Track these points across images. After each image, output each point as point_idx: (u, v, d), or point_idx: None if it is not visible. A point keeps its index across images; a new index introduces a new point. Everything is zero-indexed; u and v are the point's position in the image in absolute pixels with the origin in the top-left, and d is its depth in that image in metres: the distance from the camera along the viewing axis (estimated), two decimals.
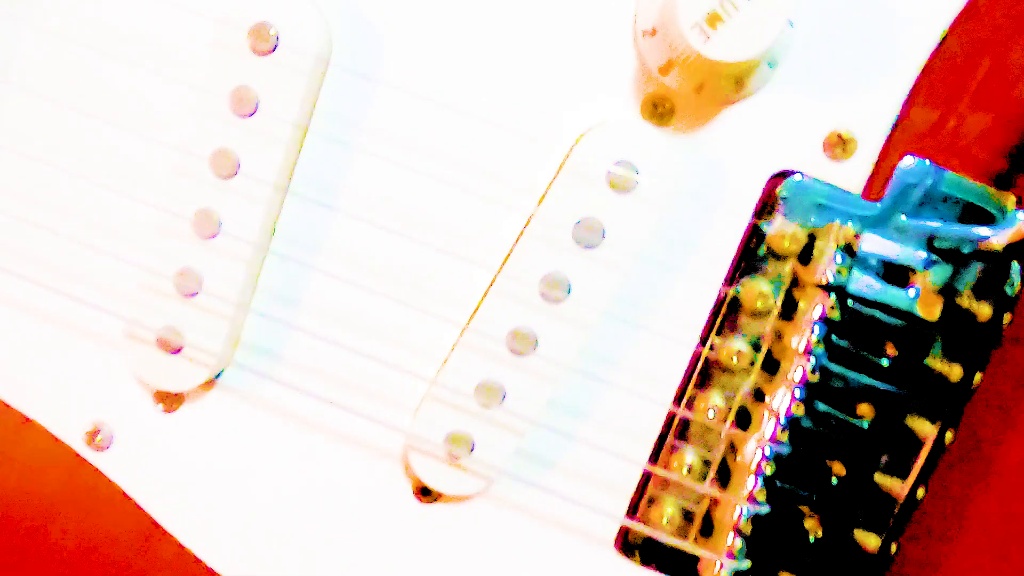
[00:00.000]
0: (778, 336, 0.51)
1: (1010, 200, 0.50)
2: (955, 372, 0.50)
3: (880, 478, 0.51)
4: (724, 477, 0.51)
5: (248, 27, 0.49)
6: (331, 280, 0.52)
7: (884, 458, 0.50)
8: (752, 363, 0.51)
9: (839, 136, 0.50)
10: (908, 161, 0.50)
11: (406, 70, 0.51)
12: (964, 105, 0.49)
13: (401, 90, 0.51)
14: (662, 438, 0.52)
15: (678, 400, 0.51)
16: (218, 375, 0.53)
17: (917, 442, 0.50)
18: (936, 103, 0.48)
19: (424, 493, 0.53)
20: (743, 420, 0.51)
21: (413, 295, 0.51)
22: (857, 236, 0.49)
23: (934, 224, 0.50)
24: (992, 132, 0.49)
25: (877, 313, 0.49)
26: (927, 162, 0.50)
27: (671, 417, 0.51)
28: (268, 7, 0.49)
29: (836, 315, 0.49)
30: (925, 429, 0.51)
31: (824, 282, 0.49)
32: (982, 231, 0.48)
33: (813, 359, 0.49)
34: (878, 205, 0.50)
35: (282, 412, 0.53)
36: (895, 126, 0.49)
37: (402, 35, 0.51)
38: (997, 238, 0.48)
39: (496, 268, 0.50)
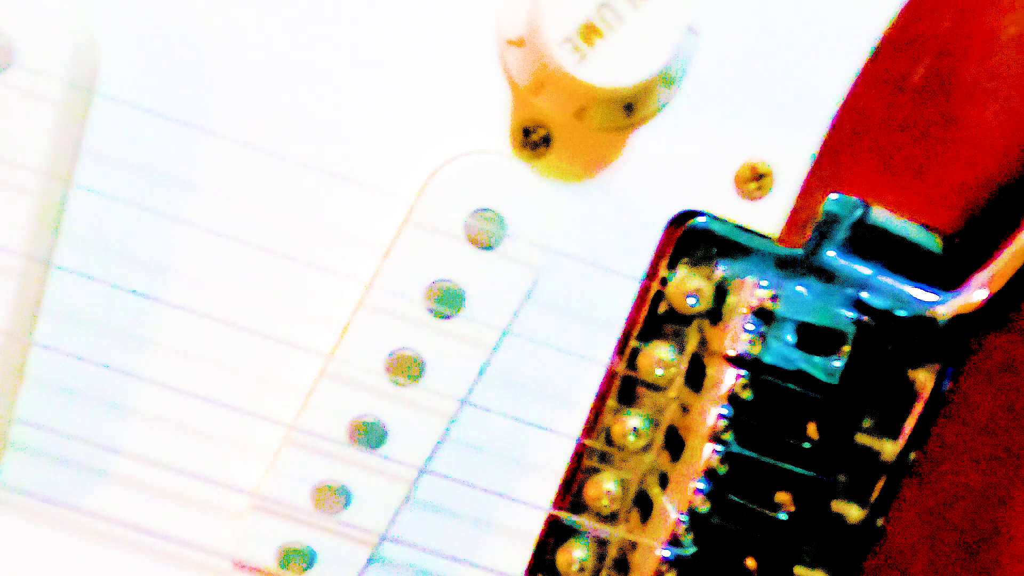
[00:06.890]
0: (683, 410, 0.42)
1: (939, 240, 0.41)
2: (888, 449, 0.42)
3: (802, 572, 0.43)
4: (623, 572, 0.43)
5: None
6: (123, 377, 0.40)
7: (807, 551, 0.43)
8: (649, 444, 0.42)
9: (753, 169, 0.41)
10: (834, 196, 0.41)
11: (216, 106, 0.39)
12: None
13: (209, 132, 0.39)
14: (542, 546, 0.43)
15: (563, 492, 0.42)
16: None
17: (847, 528, 0.43)
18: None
19: None
20: (643, 509, 0.43)
21: (233, 387, 0.41)
22: (774, 298, 0.40)
23: (865, 271, 0.41)
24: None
25: (796, 387, 0.40)
26: (854, 198, 0.41)
27: (552, 520, 0.42)
28: None
29: (748, 394, 0.40)
30: (854, 514, 0.43)
31: (734, 354, 0.40)
32: (925, 295, 0.40)
33: (720, 446, 0.40)
34: (799, 251, 0.41)
35: (74, 526, 0.42)
36: (817, 158, 0.40)
37: (210, 61, 0.39)
38: (945, 307, 0.39)
39: (332, 346, 0.40)
